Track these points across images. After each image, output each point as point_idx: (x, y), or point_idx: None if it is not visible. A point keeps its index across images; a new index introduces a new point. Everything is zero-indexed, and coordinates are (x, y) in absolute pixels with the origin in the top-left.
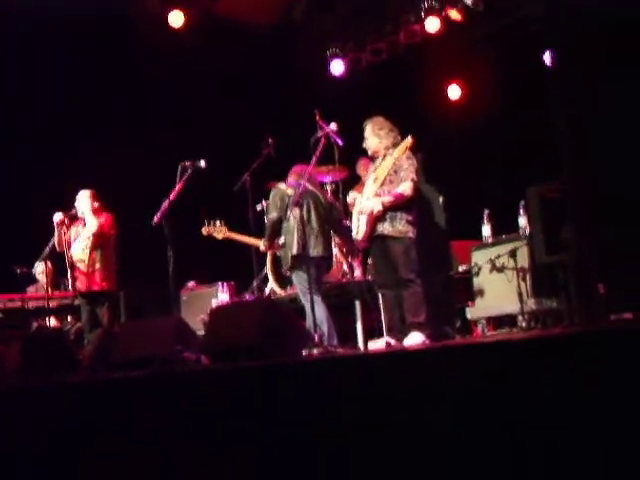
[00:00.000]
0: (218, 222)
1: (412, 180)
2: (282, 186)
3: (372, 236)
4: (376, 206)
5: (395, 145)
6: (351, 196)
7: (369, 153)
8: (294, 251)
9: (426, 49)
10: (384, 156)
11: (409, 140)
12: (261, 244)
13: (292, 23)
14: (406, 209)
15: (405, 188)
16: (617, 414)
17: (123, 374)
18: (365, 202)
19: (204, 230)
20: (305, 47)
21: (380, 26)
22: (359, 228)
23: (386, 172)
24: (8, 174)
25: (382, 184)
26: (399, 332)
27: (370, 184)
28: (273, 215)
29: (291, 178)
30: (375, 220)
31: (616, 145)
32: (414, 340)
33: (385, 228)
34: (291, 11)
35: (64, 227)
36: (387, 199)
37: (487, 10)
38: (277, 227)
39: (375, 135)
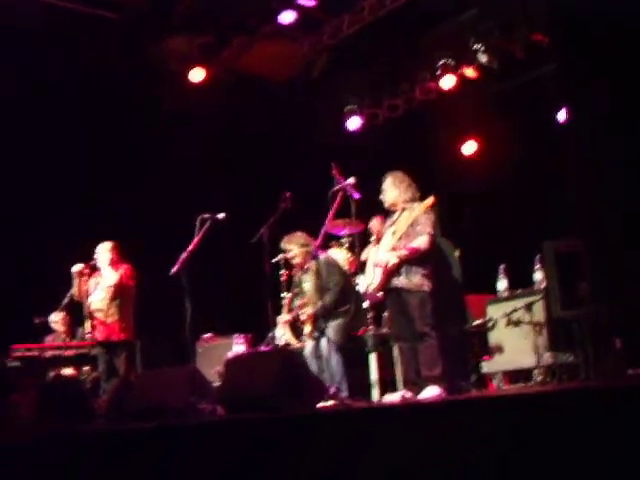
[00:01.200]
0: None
1: (429, 234)
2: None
3: (387, 289)
4: (391, 259)
5: (413, 200)
6: (366, 250)
7: (386, 206)
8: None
9: (442, 105)
10: (402, 210)
11: (431, 199)
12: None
13: (311, 79)
14: (422, 262)
15: (421, 242)
16: (633, 469)
17: (138, 424)
18: (381, 255)
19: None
20: (323, 102)
21: (396, 83)
22: (374, 280)
23: (405, 226)
24: (28, 225)
25: (400, 238)
26: (415, 385)
27: (388, 237)
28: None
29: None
30: (390, 273)
31: (630, 199)
32: (430, 394)
33: (400, 281)
34: (310, 67)
35: (84, 277)
36: (403, 253)
37: (501, 68)
38: None
39: (395, 188)
